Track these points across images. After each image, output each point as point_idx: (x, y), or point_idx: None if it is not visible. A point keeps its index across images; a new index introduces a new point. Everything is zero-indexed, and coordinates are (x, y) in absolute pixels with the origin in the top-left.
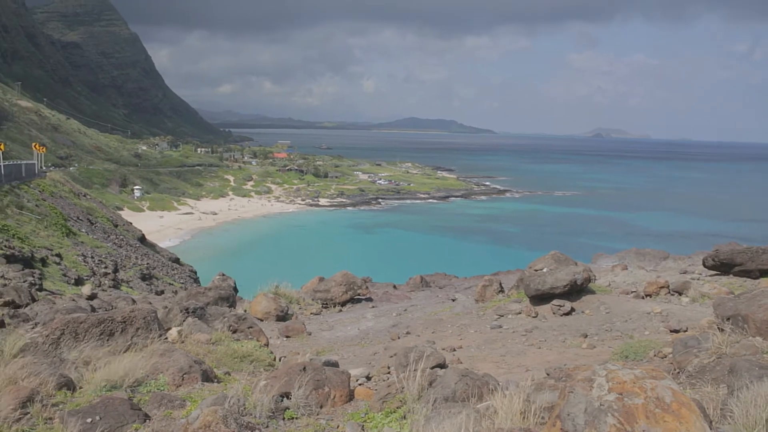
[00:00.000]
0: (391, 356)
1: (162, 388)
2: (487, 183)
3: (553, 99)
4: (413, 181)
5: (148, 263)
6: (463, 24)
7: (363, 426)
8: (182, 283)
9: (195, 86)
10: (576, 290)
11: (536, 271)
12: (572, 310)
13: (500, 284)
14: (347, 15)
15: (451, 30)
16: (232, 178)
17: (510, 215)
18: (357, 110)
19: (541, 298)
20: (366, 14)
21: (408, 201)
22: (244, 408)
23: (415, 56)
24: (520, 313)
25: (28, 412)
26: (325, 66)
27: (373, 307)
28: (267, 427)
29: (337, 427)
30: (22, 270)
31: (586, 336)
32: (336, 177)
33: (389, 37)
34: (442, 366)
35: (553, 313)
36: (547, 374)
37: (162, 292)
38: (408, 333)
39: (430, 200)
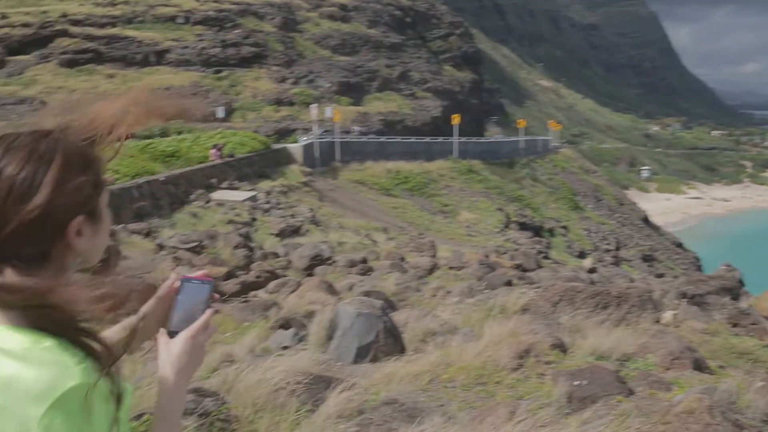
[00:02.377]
0: None
1: (649, 368)
2: None
3: None
4: None
5: (650, 245)
6: None
7: None
8: (684, 269)
9: (714, 65)
10: None
11: None
12: None
13: None
14: None
15: None
16: (749, 164)
17: None
18: None
19: None
20: None
21: None
22: (735, 405)
23: None
24: None
25: (523, 364)
26: None
27: None
28: None
29: None
30: (532, 237)
31: None
32: None
33: None
34: None
35: None
36: None
37: (662, 275)
38: None
39: None
